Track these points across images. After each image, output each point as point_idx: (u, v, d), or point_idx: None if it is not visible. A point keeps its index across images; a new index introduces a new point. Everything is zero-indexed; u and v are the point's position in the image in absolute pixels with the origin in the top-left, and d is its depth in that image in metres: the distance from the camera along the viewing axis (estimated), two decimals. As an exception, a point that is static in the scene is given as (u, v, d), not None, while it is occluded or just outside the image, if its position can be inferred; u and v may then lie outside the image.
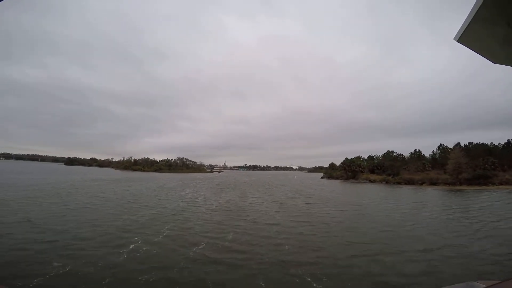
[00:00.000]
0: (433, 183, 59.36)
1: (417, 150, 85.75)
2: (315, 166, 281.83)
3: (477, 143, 77.72)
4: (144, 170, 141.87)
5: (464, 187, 51.58)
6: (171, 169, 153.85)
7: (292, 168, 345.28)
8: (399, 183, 65.87)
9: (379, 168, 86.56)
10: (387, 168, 78.49)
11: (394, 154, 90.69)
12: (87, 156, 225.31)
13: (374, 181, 74.62)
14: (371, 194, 40.89)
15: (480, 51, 1.98)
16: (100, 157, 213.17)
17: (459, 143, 71.33)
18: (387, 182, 70.17)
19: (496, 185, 50.29)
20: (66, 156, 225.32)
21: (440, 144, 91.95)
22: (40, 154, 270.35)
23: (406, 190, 48.29)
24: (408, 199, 34.62)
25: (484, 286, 1.88)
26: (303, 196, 34.62)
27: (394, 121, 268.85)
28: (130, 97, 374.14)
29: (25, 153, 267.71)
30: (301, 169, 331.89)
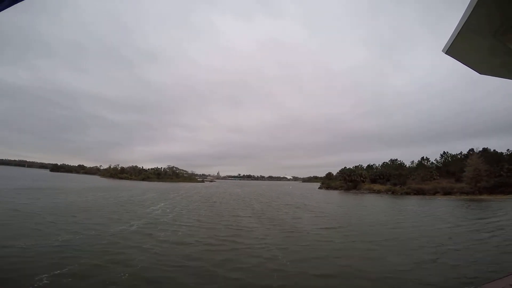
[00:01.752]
0: (447, 192, 53.17)
1: (424, 157, 79.75)
2: (310, 176, 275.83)
3: (484, 149, 72.79)
4: (131, 179, 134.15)
5: (486, 197, 45.46)
6: (159, 178, 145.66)
7: (286, 178, 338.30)
8: (407, 193, 59.49)
9: (382, 177, 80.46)
10: (392, 177, 72.15)
11: (398, 162, 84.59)
12: (77, 163, 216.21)
13: (378, 192, 68.04)
14: (394, 209, 34.13)
15: (467, 63, 2.09)
16: (90, 164, 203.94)
17: (473, 149, 65.84)
18: (393, 192, 63.75)
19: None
20: (54, 163, 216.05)
21: (444, 151, 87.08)
22: (28, 160, 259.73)
23: (425, 202, 41.70)
24: (454, 213, 27.90)
25: None
26: (310, 213, 27.58)
27: (392, 130, 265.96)
28: (123, 103, 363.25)
29: (13, 159, 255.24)
30: (295, 179, 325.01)
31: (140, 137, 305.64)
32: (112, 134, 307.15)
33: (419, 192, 57.81)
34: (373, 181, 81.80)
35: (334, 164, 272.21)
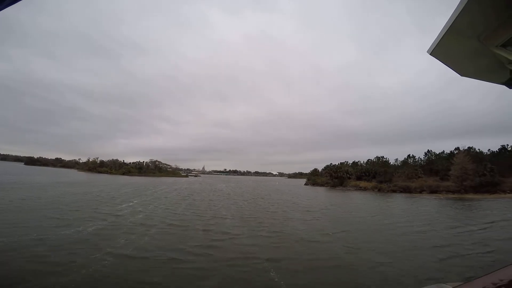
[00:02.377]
0: (433, 191, 53.03)
1: (410, 155, 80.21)
2: (295, 172, 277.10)
3: (469, 148, 74.08)
4: (111, 173, 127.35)
5: (471, 195, 45.42)
6: (141, 173, 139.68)
7: (272, 173, 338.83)
8: (394, 191, 59.05)
9: (368, 174, 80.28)
10: (378, 175, 71.85)
11: (384, 159, 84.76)
12: (55, 156, 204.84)
13: (365, 189, 67.46)
14: (389, 207, 32.61)
15: (450, 64, 2.07)
16: (70, 158, 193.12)
17: (458, 147, 66.37)
18: (379, 190, 63.22)
19: (508, 192, 44.53)
20: (31, 156, 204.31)
21: (428, 150, 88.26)
22: (2, 153, 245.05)
23: (413, 200, 40.78)
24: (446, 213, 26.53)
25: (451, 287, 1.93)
26: (302, 211, 25.31)
27: (376, 129, 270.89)
28: (104, 94, 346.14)
29: None
30: (280, 174, 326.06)
31: (123, 130, 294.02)
32: (93, 127, 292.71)
33: (406, 190, 57.49)
34: (359, 178, 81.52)
35: (318, 160, 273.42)
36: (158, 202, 27.91)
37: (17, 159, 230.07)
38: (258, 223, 17.98)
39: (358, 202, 36.80)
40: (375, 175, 77.11)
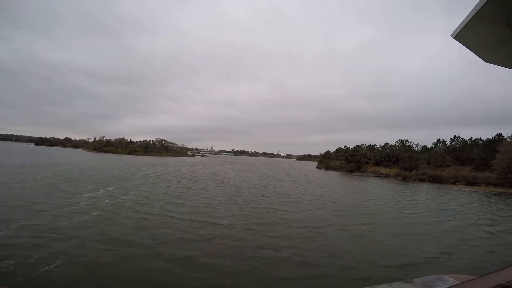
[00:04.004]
0: (469, 182, 45.88)
1: (440, 139, 72.03)
2: (304, 154, 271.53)
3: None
4: (116, 152, 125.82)
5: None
6: (147, 152, 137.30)
7: (280, 155, 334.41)
8: (421, 180, 52.10)
9: (388, 160, 73.06)
10: (402, 161, 64.55)
11: (408, 143, 76.65)
12: (65, 136, 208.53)
13: (387, 176, 60.69)
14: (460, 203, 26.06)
15: (475, 50, 2.01)
16: (78, 137, 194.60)
17: (501, 133, 57.96)
18: (404, 178, 56.37)
19: None
20: (44, 136, 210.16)
21: (454, 135, 79.51)
22: (15, 134, 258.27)
23: (466, 194, 33.94)
24: None
25: (453, 279, 1.95)
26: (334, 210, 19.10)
27: (391, 112, 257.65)
28: (108, 74, 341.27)
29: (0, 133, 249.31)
30: (288, 156, 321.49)
31: (129, 109, 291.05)
32: (100, 107, 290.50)
33: (436, 180, 50.45)
34: (377, 163, 74.62)
35: (326, 143, 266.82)
36: (146, 187, 22.20)
37: (29, 140, 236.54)
38: (276, 234, 11.91)
39: (403, 195, 30.23)
40: (396, 161, 70.00)
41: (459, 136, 77.82)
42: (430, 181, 50.65)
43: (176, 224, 12.20)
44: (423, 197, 29.30)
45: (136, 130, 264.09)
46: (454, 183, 47.19)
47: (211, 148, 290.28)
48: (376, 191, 31.95)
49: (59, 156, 68.58)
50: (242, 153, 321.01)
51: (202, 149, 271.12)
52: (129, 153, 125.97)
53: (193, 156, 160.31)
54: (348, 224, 14.18)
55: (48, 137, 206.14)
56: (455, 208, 22.49)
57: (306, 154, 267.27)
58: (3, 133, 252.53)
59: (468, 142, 75.69)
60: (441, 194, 32.34)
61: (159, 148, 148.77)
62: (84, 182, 23.19)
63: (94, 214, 13.13)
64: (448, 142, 72.35)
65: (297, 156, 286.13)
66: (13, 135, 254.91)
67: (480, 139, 68.65)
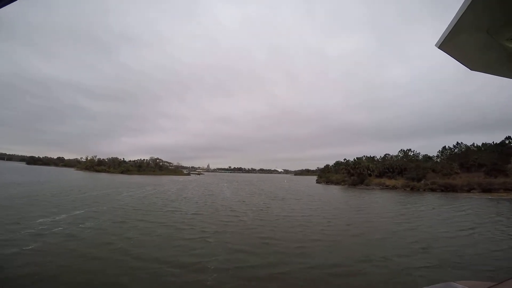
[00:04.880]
0: (485, 189, 42.42)
1: (446, 147, 69.25)
2: (302, 169, 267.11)
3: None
4: (109, 171, 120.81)
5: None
6: (140, 171, 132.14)
7: (277, 171, 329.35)
8: (432, 189, 48.45)
9: (392, 170, 69.63)
10: (408, 171, 61.13)
11: (412, 153, 73.69)
12: (58, 155, 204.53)
13: (394, 187, 56.92)
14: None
15: (459, 58, 2.02)
16: (72, 156, 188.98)
17: (510, 136, 55.33)
18: (412, 188, 52.69)
19: None
20: (37, 155, 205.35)
21: (457, 142, 77.08)
22: (8, 153, 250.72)
23: (489, 203, 30.31)
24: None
25: (462, 286, 1.91)
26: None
27: (386, 123, 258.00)
28: (102, 91, 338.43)
29: None
30: (286, 172, 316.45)
31: (125, 128, 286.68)
32: (94, 125, 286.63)
33: (448, 189, 46.90)
34: (380, 175, 71.10)
35: (323, 157, 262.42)
36: (105, 218, 17.83)
37: (22, 159, 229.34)
38: None
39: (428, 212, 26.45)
40: (401, 171, 66.64)
41: (461, 143, 75.45)
42: (442, 190, 47.06)
43: (137, 273, 8.23)
44: (458, 209, 25.59)
45: (132, 149, 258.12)
46: (468, 191, 43.69)
47: (208, 166, 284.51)
48: (396, 207, 28.03)
49: (45, 175, 63.69)
50: (239, 170, 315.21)
51: (199, 167, 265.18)
52: (122, 173, 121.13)
53: (188, 174, 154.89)
54: (411, 266, 10.02)
55: (41, 156, 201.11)
56: None
57: (304, 169, 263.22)
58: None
59: (471, 148, 73.35)
60: (474, 205, 28.65)
61: (153, 167, 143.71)
62: (50, 204, 19.08)
63: (28, 247, 9.18)
64: (449, 150, 69.45)
65: (295, 171, 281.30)
66: (5, 154, 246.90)
67: (485, 144, 65.98)
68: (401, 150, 75.94)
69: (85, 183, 45.48)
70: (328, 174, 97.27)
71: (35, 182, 39.96)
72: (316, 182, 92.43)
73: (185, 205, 23.96)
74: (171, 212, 19.98)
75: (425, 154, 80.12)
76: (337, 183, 79.78)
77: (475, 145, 74.99)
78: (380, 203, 30.91)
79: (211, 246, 11.22)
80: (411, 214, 22.41)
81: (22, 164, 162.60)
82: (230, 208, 23.15)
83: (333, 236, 13.76)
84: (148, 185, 50.22)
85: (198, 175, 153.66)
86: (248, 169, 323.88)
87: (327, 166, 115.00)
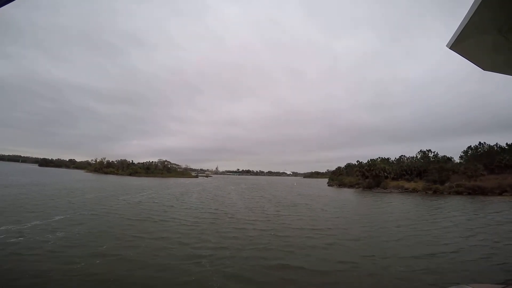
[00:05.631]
0: (521, 194, 38.01)
1: (472, 146, 64.40)
2: (311, 172, 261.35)
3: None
4: (117, 173, 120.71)
5: None
6: (148, 173, 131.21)
7: (286, 173, 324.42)
8: (458, 192, 44.18)
9: (410, 173, 65.21)
10: (430, 173, 56.67)
11: (433, 154, 68.99)
12: (70, 157, 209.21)
13: (414, 190, 52.72)
14: None
15: (471, 59, 1.98)
16: (83, 159, 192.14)
17: None
18: (435, 191, 48.44)
19: None
20: (50, 158, 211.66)
21: (480, 142, 71.72)
22: (22, 155, 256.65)
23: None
24: None
25: None
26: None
27: (398, 123, 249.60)
28: (111, 94, 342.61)
29: (7, 154, 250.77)
30: (294, 174, 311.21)
31: (135, 131, 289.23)
32: (105, 128, 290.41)
33: (475, 192, 42.57)
34: (397, 177, 66.73)
35: (333, 159, 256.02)
36: (82, 227, 15.06)
37: (36, 161, 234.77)
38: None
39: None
40: (420, 174, 62.21)
41: (484, 143, 70.14)
42: (469, 193, 42.82)
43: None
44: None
45: (142, 151, 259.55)
46: (500, 194, 39.36)
47: (216, 168, 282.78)
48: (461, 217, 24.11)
49: (52, 176, 62.85)
50: (248, 172, 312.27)
51: (208, 169, 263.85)
52: (130, 175, 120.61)
53: (196, 176, 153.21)
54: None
55: (53, 159, 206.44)
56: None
57: (314, 171, 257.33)
58: (12, 154, 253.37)
59: (495, 149, 68.07)
60: None
61: (161, 169, 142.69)
62: (32, 208, 16.76)
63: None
64: (473, 150, 64.58)
65: (304, 173, 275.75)
66: (20, 156, 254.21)
67: (511, 144, 60.85)
68: (420, 151, 71.22)
69: (86, 185, 43.67)
70: (340, 177, 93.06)
71: (35, 183, 38.36)
72: (328, 185, 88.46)
73: (183, 213, 21.23)
74: (163, 222, 17.23)
75: (444, 155, 75.35)
76: (350, 186, 75.73)
77: (498, 145, 69.73)
78: (409, 210, 27.15)
79: (205, 273, 8.35)
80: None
81: (35, 166, 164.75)
82: (233, 217, 20.27)
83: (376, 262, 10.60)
84: (153, 187, 48.02)
85: (206, 177, 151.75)
86: (257, 171, 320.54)
87: (338, 168, 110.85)
